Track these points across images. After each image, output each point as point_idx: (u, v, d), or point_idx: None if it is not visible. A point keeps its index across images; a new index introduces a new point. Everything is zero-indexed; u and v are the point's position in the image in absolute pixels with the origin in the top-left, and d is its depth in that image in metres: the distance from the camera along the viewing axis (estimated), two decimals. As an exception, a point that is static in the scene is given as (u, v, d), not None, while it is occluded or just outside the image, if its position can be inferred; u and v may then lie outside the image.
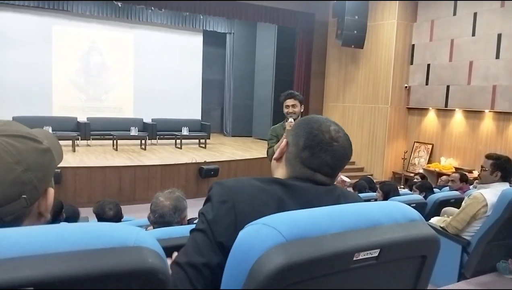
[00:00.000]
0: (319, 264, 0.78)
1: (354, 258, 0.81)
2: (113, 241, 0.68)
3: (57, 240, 0.66)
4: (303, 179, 1.05)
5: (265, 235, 0.78)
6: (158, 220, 2.00)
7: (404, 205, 0.99)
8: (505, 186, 3.15)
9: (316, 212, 0.87)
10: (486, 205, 3.09)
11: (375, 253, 0.84)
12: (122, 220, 3.25)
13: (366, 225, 0.87)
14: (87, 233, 0.68)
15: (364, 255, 0.82)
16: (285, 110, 3.79)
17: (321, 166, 1.05)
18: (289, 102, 3.78)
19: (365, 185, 5.66)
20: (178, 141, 10.03)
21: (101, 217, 3.22)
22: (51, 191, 0.84)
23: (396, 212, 0.94)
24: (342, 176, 6.77)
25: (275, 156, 1.14)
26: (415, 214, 0.97)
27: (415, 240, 0.91)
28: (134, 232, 0.72)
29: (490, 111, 8.23)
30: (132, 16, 10.74)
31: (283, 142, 1.13)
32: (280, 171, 1.12)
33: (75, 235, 0.67)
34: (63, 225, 0.72)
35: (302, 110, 3.85)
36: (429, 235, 0.93)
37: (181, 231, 1.70)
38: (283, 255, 0.75)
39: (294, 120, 3.76)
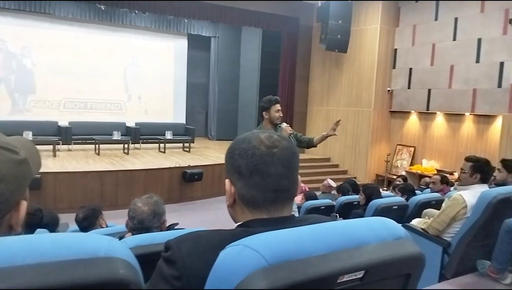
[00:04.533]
0: (302, 289, 0.75)
1: (338, 281, 0.79)
2: (82, 252, 0.66)
3: (24, 251, 0.63)
4: (266, 208, 0.95)
5: (246, 258, 0.75)
6: (137, 226, 1.96)
7: (390, 222, 0.97)
8: (484, 187, 3.20)
9: (300, 232, 0.84)
10: (466, 206, 3.14)
11: (360, 274, 0.81)
12: (99, 225, 3.18)
13: (351, 245, 0.84)
14: (55, 244, 0.66)
15: (348, 277, 0.80)
16: (276, 115, 3.76)
17: (278, 181, 0.94)
18: (279, 106, 3.80)
19: (348, 188, 5.70)
20: (162, 145, 9.95)
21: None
22: (23, 204, 0.81)
23: (382, 230, 0.92)
24: (329, 180, 6.85)
25: (228, 203, 1.01)
26: (401, 231, 0.95)
27: (401, 259, 0.89)
28: (105, 242, 0.69)
29: (470, 114, 8.39)
30: (115, 19, 10.63)
31: (226, 185, 1.00)
32: (240, 214, 0.99)
33: (43, 246, 0.65)
34: (31, 236, 0.70)
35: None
36: (414, 254, 0.91)
37: (161, 237, 1.68)
38: (265, 280, 0.71)
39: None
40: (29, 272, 0.61)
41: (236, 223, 1.01)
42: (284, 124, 3.80)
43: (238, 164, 0.95)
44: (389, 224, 0.95)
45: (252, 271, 0.72)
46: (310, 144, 4.09)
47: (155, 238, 1.65)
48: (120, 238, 1.77)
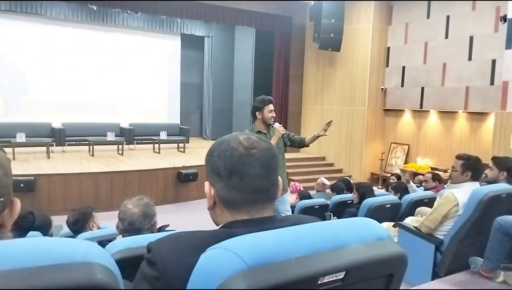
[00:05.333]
0: None
1: (319, 282, 0.79)
2: (59, 257, 0.67)
3: (0, 257, 0.64)
4: (246, 209, 0.96)
5: (226, 261, 0.75)
6: (128, 228, 1.96)
7: (372, 223, 0.97)
8: (475, 185, 3.22)
9: (281, 234, 0.85)
10: (458, 204, 3.16)
11: (341, 275, 0.82)
12: (90, 228, 3.18)
13: (332, 246, 0.85)
14: (32, 249, 0.67)
15: (329, 278, 0.80)
16: (268, 115, 3.82)
17: (256, 182, 0.94)
18: (272, 106, 3.84)
19: (343, 186, 5.71)
20: (157, 145, 9.93)
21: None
22: (17, 202, 0.83)
23: (364, 231, 0.93)
24: (323, 179, 6.86)
25: (208, 205, 1.00)
26: (383, 232, 0.95)
27: (382, 259, 0.90)
28: (83, 248, 0.70)
29: (463, 112, 8.43)
30: (108, 19, 10.59)
31: (205, 187, 0.99)
32: (221, 216, 0.99)
33: (20, 252, 0.65)
34: (8, 241, 0.70)
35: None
36: (396, 254, 0.92)
37: (151, 239, 1.68)
38: (244, 283, 0.72)
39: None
40: (4, 278, 0.61)
41: (217, 225, 1.01)
42: (277, 124, 3.81)
43: (217, 165, 0.96)
44: (371, 225, 0.96)
45: (232, 274, 0.73)
46: (302, 144, 4.12)
47: (145, 240, 1.65)
48: (110, 240, 1.77)
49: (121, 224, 1.98)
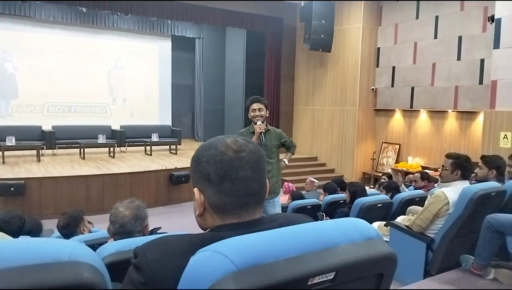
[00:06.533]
0: None
1: (309, 283, 0.80)
2: (45, 257, 0.67)
3: None
4: (237, 213, 0.95)
5: (215, 264, 0.75)
6: (119, 230, 1.95)
7: (361, 223, 0.98)
8: (465, 184, 3.26)
9: (270, 235, 0.85)
10: (448, 203, 3.19)
11: (331, 276, 0.82)
12: (81, 232, 3.16)
13: (322, 247, 0.85)
14: (18, 249, 0.67)
15: (319, 278, 0.81)
16: (251, 114, 3.91)
17: (248, 185, 0.94)
18: (255, 106, 3.90)
19: (335, 186, 5.73)
20: (148, 148, 9.89)
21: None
22: None
23: (353, 231, 0.93)
24: (310, 178, 6.90)
25: (197, 213, 0.98)
26: (372, 231, 0.96)
27: (372, 259, 0.90)
28: (70, 247, 0.71)
29: (453, 111, 8.52)
30: (97, 21, 10.52)
31: (195, 194, 0.98)
32: (211, 222, 0.98)
33: (5, 251, 0.66)
34: None
35: (267, 115, 3.96)
36: (386, 253, 0.92)
37: (142, 242, 1.67)
38: (234, 285, 0.72)
39: (262, 122, 3.86)
40: None
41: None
42: (258, 123, 3.84)
43: (207, 171, 0.94)
44: (360, 225, 0.96)
45: (221, 276, 0.73)
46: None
47: (136, 243, 1.64)
48: (101, 244, 1.75)
49: (112, 227, 1.97)
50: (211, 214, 0.98)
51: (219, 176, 0.93)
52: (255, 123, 3.87)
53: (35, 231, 3.34)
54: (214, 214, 0.97)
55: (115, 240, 1.90)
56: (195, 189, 0.98)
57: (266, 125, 4.00)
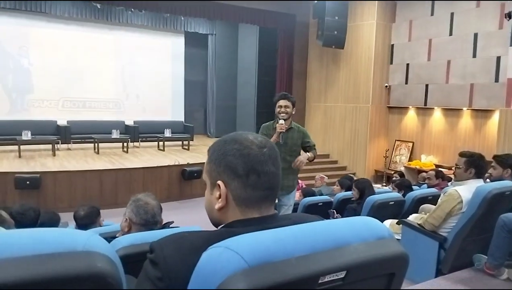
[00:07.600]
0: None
1: (320, 281, 0.79)
2: (60, 247, 0.68)
3: (2, 246, 0.66)
4: (258, 206, 0.98)
5: (226, 260, 0.76)
6: (150, 220, 1.95)
7: (373, 222, 0.97)
8: (479, 182, 3.22)
9: (281, 233, 0.85)
10: (461, 201, 3.15)
11: (341, 274, 0.82)
12: (99, 224, 3.20)
13: (333, 246, 0.85)
14: (33, 239, 0.68)
15: (329, 277, 0.80)
16: (277, 110, 3.90)
17: (271, 179, 0.98)
18: (282, 102, 3.90)
19: (348, 182, 5.72)
20: (161, 143, 9.96)
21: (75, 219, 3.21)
22: None
23: (365, 230, 0.93)
24: (321, 174, 6.93)
25: (218, 206, 0.99)
26: (385, 230, 0.95)
27: (383, 259, 0.89)
28: (84, 237, 0.72)
29: (468, 109, 8.40)
30: (112, 17, 10.62)
31: (221, 187, 0.98)
32: (232, 216, 0.99)
33: (21, 241, 0.67)
34: (11, 231, 0.72)
35: (293, 112, 3.96)
36: (397, 253, 0.92)
37: (156, 235, 1.69)
38: (244, 282, 0.72)
39: (285, 120, 3.84)
40: (7, 265, 0.63)
41: (218, 226, 1.02)
42: (280, 122, 3.83)
43: (234, 165, 0.97)
44: (372, 224, 0.96)
45: (232, 273, 0.73)
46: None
47: (149, 237, 1.66)
48: (113, 238, 1.77)
49: (141, 218, 1.93)
50: (233, 208, 0.99)
51: (246, 170, 0.96)
52: (279, 120, 3.87)
53: (51, 224, 3.39)
54: (236, 207, 0.99)
55: (140, 231, 1.89)
56: (220, 182, 0.98)
57: (291, 122, 3.98)
